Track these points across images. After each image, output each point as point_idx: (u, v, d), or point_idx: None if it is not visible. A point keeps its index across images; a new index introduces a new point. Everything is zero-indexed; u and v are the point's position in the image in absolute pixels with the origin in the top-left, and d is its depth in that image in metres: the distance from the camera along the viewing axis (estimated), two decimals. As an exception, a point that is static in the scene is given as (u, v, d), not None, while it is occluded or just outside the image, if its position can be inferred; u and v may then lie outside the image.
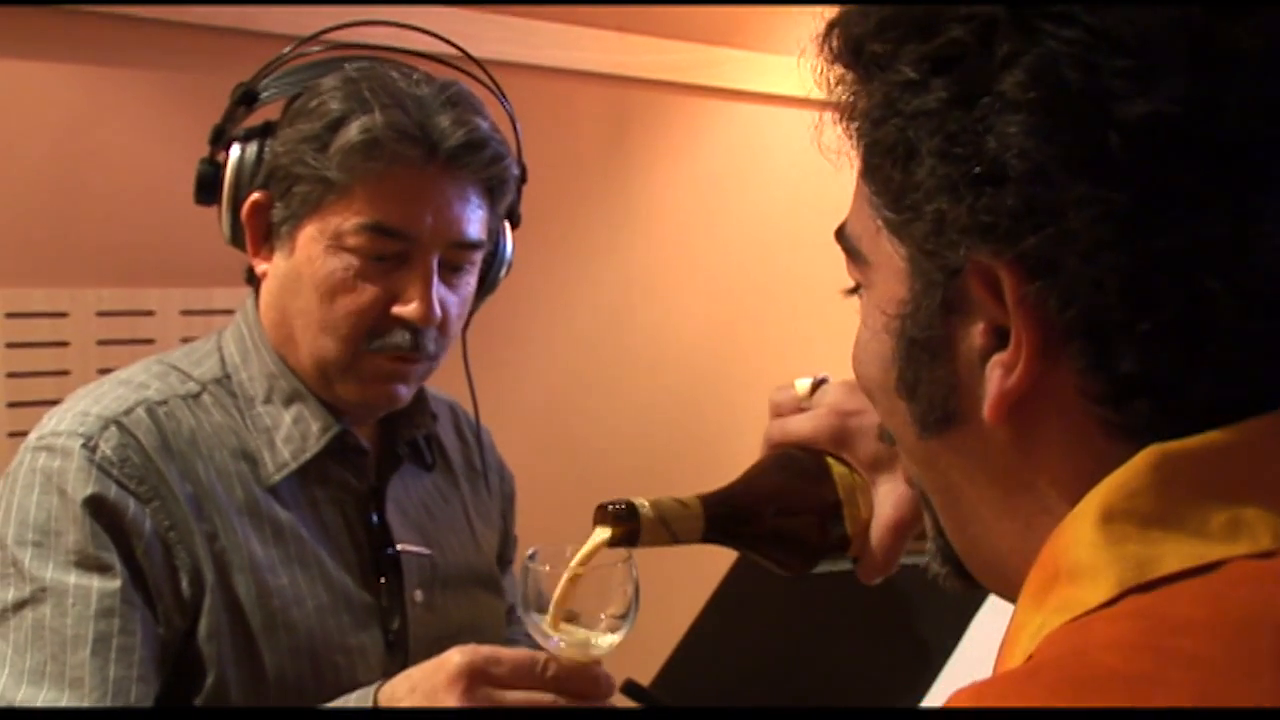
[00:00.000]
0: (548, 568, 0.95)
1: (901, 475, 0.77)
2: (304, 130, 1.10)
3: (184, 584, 1.06)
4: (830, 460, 0.82)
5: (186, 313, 1.56)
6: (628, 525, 0.79)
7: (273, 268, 1.15)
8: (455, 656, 0.97)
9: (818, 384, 0.86)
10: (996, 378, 0.51)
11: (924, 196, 0.52)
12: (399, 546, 1.18)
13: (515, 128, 1.23)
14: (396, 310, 1.11)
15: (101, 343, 1.51)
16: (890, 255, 0.55)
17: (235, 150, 1.14)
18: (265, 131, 1.14)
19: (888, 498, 0.80)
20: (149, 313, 1.55)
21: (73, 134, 1.51)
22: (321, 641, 1.11)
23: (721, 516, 0.81)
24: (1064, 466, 0.52)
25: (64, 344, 1.49)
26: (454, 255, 1.15)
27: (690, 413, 2.14)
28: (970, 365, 0.53)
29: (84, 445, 1.05)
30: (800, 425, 0.84)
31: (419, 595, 1.19)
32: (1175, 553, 0.48)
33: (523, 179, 1.25)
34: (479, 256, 1.18)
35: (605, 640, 0.96)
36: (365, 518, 1.18)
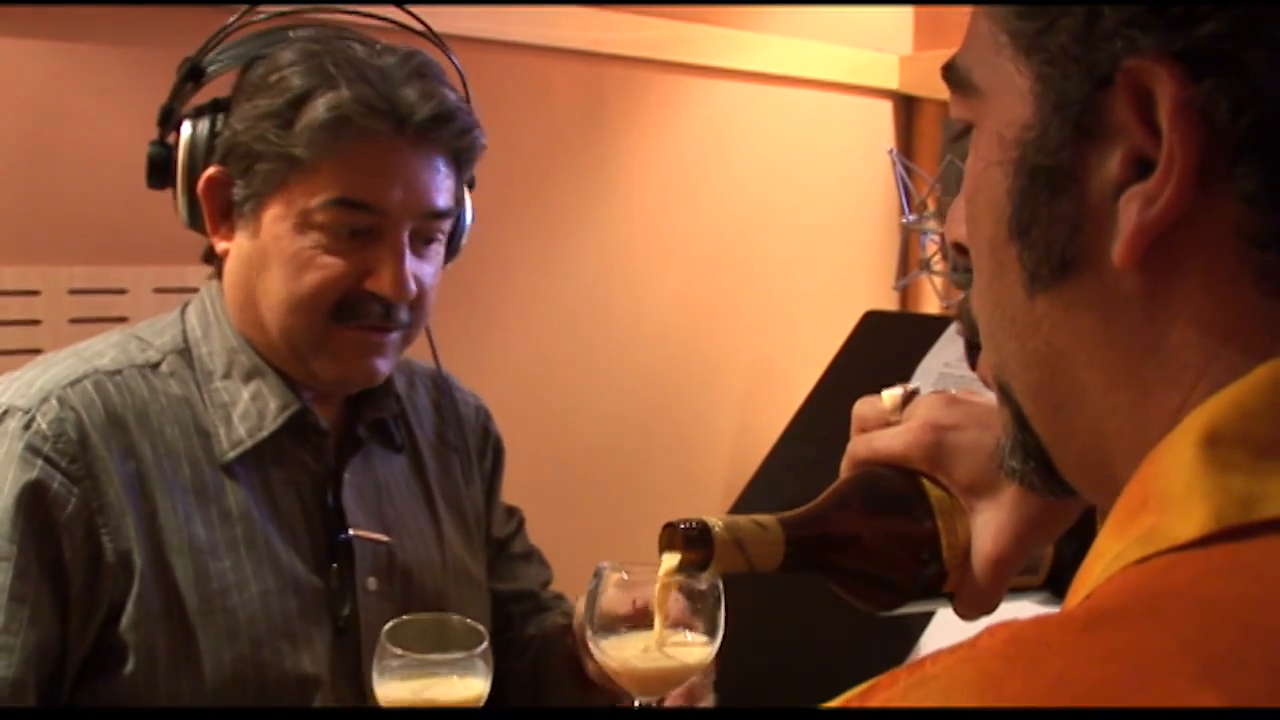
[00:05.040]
0: (610, 589, 0.92)
1: (1003, 501, 0.69)
2: (264, 106, 1.07)
3: (105, 569, 1.03)
4: (925, 482, 0.73)
5: (160, 290, 1.55)
6: (700, 549, 0.70)
7: (236, 247, 1.12)
8: None
9: (909, 395, 0.76)
10: (1135, 209, 0.44)
11: None
12: (352, 531, 1.15)
13: (467, 92, 1.21)
14: (369, 286, 1.09)
15: (74, 321, 1.50)
16: (1012, 76, 0.48)
17: (186, 128, 1.11)
18: (216, 107, 1.11)
19: (986, 528, 0.70)
20: (122, 291, 1.54)
21: (42, 110, 1.50)
22: (263, 626, 1.09)
23: (805, 543, 0.72)
24: (1200, 322, 0.44)
25: (35, 322, 1.48)
26: (425, 226, 1.13)
27: (667, 389, 2.14)
28: (1101, 200, 0.45)
29: (20, 420, 1.02)
30: (891, 441, 0.74)
31: (372, 583, 1.17)
32: None
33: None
34: (449, 225, 1.17)
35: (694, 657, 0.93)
36: (321, 500, 1.16)
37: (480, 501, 1.35)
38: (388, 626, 1.02)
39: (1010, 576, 0.71)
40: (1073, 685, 0.36)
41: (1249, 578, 0.38)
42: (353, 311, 1.10)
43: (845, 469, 0.76)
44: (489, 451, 1.37)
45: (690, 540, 0.70)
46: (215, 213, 1.12)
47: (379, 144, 1.08)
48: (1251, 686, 0.35)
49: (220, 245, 1.13)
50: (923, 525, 0.71)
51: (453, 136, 1.11)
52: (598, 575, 0.93)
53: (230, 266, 1.14)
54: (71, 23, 1.50)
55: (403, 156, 1.09)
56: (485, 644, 1.02)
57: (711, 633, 0.93)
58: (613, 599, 0.92)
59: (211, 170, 1.10)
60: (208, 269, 1.20)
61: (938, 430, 0.72)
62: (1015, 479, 0.56)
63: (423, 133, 1.09)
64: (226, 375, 1.13)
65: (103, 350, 1.11)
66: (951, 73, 0.52)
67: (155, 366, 1.11)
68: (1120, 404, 0.47)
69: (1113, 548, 0.43)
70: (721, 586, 0.92)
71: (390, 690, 1.00)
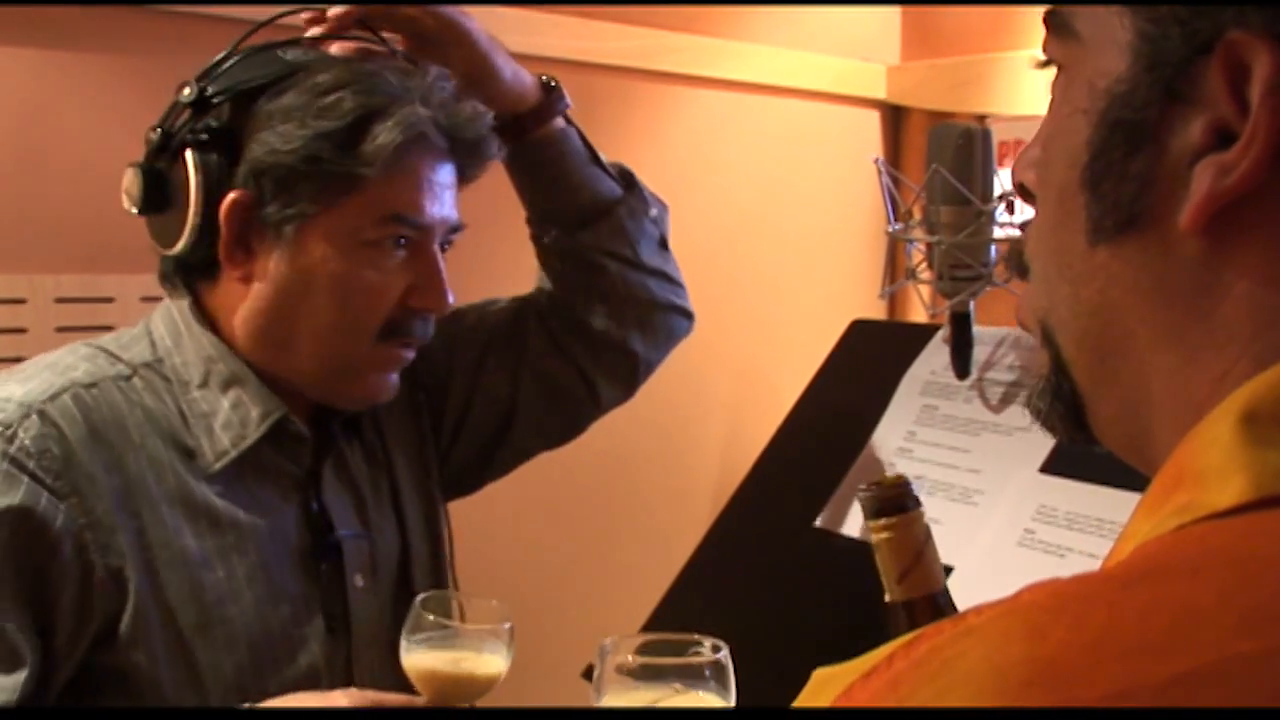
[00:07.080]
0: (613, 667, 0.92)
1: None
2: (315, 127, 1.05)
3: (95, 585, 1.02)
4: None
5: (147, 299, 1.54)
6: (911, 508, 0.75)
7: (267, 270, 1.10)
8: (342, 700, 0.99)
9: None
10: (1209, 177, 0.45)
11: None
12: (339, 532, 1.16)
13: None
14: (413, 302, 1.13)
15: (60, 329, 1.49)
16: (1115, 28, 0.48)
17: (192, 155, 1.07)
18: (228, 132, 1.08)
19: None
20: (109, 299, 1.54)
21: (29, 118, 1.49)
22: (259, 633, 1.09)
23: (912, 608, 0.75)
24: (1255, 300, 0.45)
25: (22, 330, 1.48)
26: (445, 240, 1.17)
27: (654, 397, 2.14)
28: (1176, 163, 0.46)
29: (2, 437, 1.00)
30: None
31: (359, 580, 1.17)
32: None
33: None
34: None
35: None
36: (304, 503, 1.16)
37: (434, 447, 1.34)
38: (420, 597, 1.06)
39: None
40: (1117, 635, 0.36)
41: None
42: (399, 329, 1.14)
43: None
44: (411, 391, 1.31)
45: (898, 488, 0.76)
46: (233, 237, 1.09)
47: (433, 160, 1.12)
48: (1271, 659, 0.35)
49: (235, 271, 1.10)
50: None
51: (491, 155, 1.18)
52: (602, 654, 0.93)
53: (256, 290, 1.11)
54: (59, 31, 1.50)
55: (443, 172, 1.14)
56: (510, 622, 1.06)
57: (724, 697, 0.93)
58: (616, 675, 0.92)
59: (235, 195, 1.07)
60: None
61: None
62: (1038, 419, 0.57)
63: (473, 151, 1.15)
64: (203, 384, 1.11)
65: (74, 363, 1.09)
66: (1054, 16, 0.53)
67: (128, 379, 1.10)
68: (1166, 365, 0.48)
69: (1144, 526, 0.43)
70: (728, 654, 0.93)
71: (417, 659, 1.05)
